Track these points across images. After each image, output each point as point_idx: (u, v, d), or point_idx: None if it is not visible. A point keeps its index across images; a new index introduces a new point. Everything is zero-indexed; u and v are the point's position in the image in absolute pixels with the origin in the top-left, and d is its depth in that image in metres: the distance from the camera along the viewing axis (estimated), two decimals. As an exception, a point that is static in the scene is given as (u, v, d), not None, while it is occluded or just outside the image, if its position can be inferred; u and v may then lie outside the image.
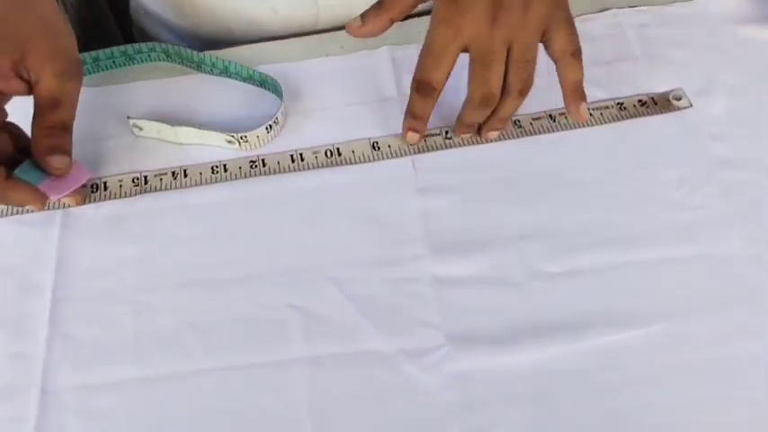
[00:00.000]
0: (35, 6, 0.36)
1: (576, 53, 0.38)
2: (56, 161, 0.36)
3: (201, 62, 0.46)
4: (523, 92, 0.38)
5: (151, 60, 0.47)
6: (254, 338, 0.36)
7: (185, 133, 0.43)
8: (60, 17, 0.37)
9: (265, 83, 0.45)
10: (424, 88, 0.38)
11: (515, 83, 0.37)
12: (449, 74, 0.38)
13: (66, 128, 0.36)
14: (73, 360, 0.35)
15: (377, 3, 0.38)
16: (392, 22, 0.39)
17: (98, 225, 0.40)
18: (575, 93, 0.39)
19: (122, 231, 0.40)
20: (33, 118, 0.36)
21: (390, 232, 0.39)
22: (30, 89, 0.36)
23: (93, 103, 0.45)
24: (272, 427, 0.34)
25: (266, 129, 0.42)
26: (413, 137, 0.41)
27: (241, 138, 0.42)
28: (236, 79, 0.46)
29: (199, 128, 0.42)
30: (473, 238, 0.39)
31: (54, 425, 0.33)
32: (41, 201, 0.37)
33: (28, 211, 0.40)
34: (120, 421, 0.34)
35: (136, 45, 0.46)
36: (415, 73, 0.38)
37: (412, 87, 0.39)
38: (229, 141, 0.42)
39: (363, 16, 0.38)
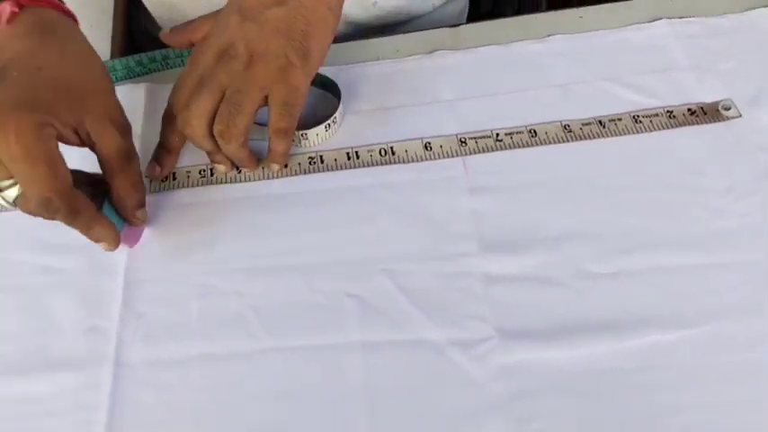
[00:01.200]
0: (90, 62, 0.38)
1: (280, 132, 0.41)
2: (141, 214, 0.39)
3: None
4: (222, 134, 0.39)
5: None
6: (313, 322, 0.38)
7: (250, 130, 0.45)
8: (106, 69, 0.39)
9: (325, 84, 0.47)
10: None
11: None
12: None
13: (142, 180, 0.39)
14: (144, 336, 0.38)
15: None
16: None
17: (168, 212, 0.43)
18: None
19: (190, 219, 0.42)
20: (108, 174, 0.37)
21: (442, 229, 0.41)
22: (82, 145, 0.37)
23: (164, 99, 0.47)
24: (328, 406, 0.36)
25: (325, 127, 0.45)
26: None
27: (302, 135, 0.44)
28: None
29: (261, 124, 0.45)
30: (522, 238, 0.41)
31: (126, 394, 0.36)
32: (117, 244, 0.38)
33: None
34: (186, 393, 0.36)
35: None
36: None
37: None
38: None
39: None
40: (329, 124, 0.45)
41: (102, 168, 0.38)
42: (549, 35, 0.50)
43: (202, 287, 0.40)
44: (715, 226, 0.41)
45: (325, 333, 0.38)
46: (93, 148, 0.37)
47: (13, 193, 0.35)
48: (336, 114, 0.45)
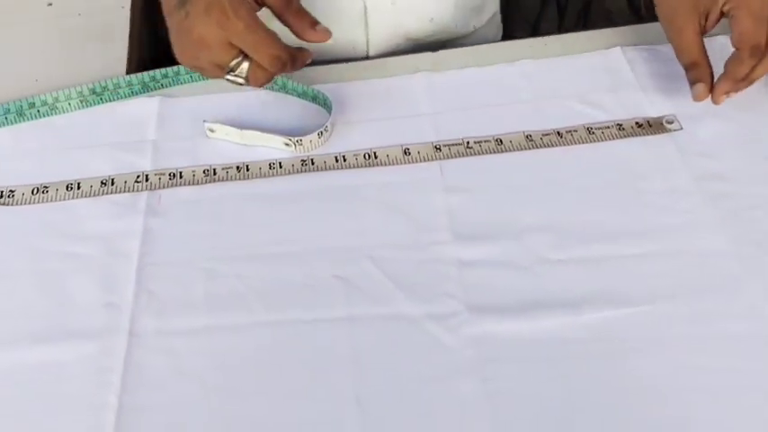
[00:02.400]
0: None
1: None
2: (320, 28, 0.45)
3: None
4: None
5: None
6: (305, 300, 0.43)
7: (250, 136, 0.51)
8: None
9: (317, 98, 0.53)
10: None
11: None
12: None
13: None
14: (155, 311, 0.43)
15: None
16: None
17: (176, 207, 0.48)
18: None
19: (196, 212, 0.48)
20: (282, 18, 0.45)
21: (420, 222, 0.47)
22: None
23: (175, 110, 0.53)
24: (318, 370, 0.40)
25: (318, 134, 0.50)
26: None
27: (297, 141, 0.50)
28: (293, 94, 0.54)
29: (261, 132, 0.51)
30: (490, 230, 0.46)
31: (138, 359, 0.41)
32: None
33: (119, 192, 0.48)
34: (191, 359, 0.41)
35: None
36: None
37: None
38: (286, 144, 0.50)
39: None
40: (321, 132, 0.51)
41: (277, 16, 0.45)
42: (518, 60, 0.57)
43: (207, 270, 0.45)
44: (660, 221, 0.47)
45: (315, 309, 0.43)
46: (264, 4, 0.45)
47: (245, 66, 0.44)
48: (328, 124, 0.51)
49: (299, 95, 0.54)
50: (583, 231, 0.46)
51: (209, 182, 0.49)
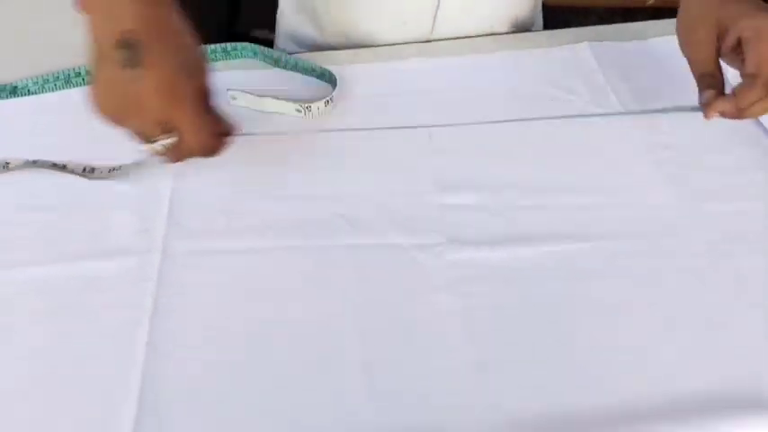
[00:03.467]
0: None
1: None
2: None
3: (278, 59, 0.63)
4: None
5: (242, 56, 0.64)
6: (312, 230, 0.51)
7: (268, 102, 0.59)
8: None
9: (324, 75, 0.62)
10: None
11: None
12: None
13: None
14: (184, 236, 0.50)
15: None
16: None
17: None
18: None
19: (220, 159, 0.55)
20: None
21: (410, 177, 0.55)
22: None
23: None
24: (323, 286, 0.47)
25: (324, 103, 0.59)
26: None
27: (306, 107, 0.59)
28: (303, 72, 0.63)
29: (277, 99, 0.59)
30: (469, 184, 0.54)
31: (170, 273, 0.48)
32: None
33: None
34: (214, 275, 0.48)
35: (232, 44, 0.63)
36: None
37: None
38: (298, 110, 0.59)
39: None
40: (327, 101, 0.59)
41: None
42: (497, 51, 0.66)
43: (228, 206, 0.52)
44: (617, 181, 0.55)
45: (320, 239, 0.50)
46: None
47: (169, 141, 0.44)
48: (333, 94, 0.59)
49: (306, 72, 0.63)
50: (549, 185, 0.54)
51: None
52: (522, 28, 0.72)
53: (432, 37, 0.68)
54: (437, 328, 0.46)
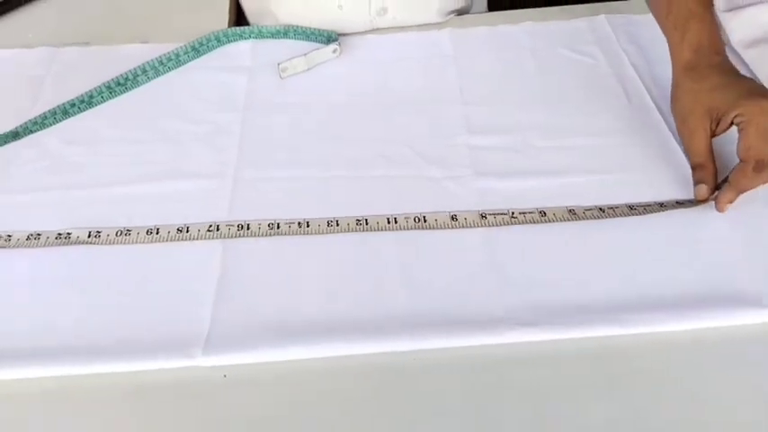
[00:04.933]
0: None
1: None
2: None
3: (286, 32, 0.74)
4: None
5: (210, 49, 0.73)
6: (358, 164, 0.60)
7: (312, 56, 0.69)
8: None
9: (331, 38, 0.72)
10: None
11: None
12: None
13: None
14: (251, 166, 0.60)
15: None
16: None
17: (266, 104, 0.66)
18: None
19: (281, 107, 0.66)
20: None
21: (442, 123, 0.64)
22: None
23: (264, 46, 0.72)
24: (367, 205, 0.56)
25: (332, 51, 0.70)
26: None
27: (337, 45, 0.70)
28: (314, 39, 0.74)
29: (318, 51, 0.69)
30: (496, 129, 0.63)
31: (240, 192, 0.58)
32: None
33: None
34: (274, 193, 0.58)
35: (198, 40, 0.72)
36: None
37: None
38: (334, 51, 0.70)
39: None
40: (335, 49, 0.70)
41: None
42: (522, 22, 0.75)
43: (287, 142, 0.62)
44: (613, 124, 0.63)
45: (364, 170, 0.59)
46: None
47: None
48: (337, 45, 0.70)
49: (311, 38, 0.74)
50: (564, 128, 0.62)
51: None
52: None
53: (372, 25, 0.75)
54: (459, 234, 0.54)
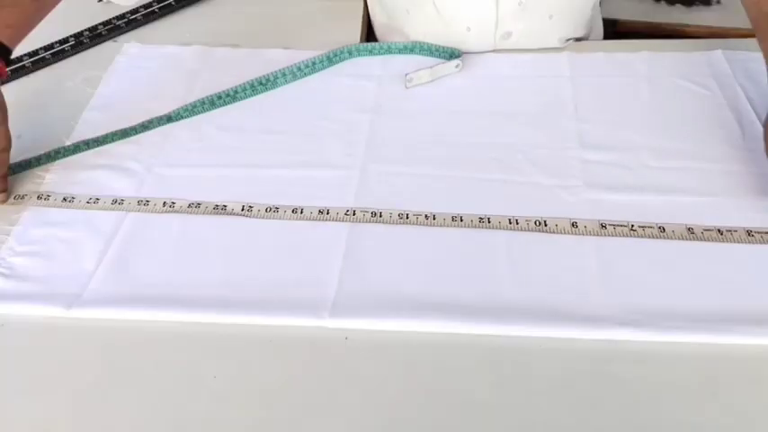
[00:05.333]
0: None
1: None
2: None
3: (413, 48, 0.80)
4: None
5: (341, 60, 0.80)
6: (473, 167, 0.65)
7: (437, 69, 0.75)
8: None
9: (454, 54, 0.78)
10: None
11: None
12: None
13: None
14: (376, 160, 0.66)
15: None
16: None
17: (394, 109, 0.72)
18: None
19: (408, 113, 0.72)
20: None
21: (556, 136, 0.68)
22: None
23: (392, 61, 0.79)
24: (482, 204, 0.61)
25: (455, 66, 0.76)
26: None
27: (460, 61, 0.75)
28: (438, 55, 0.79)
29: (442, 65, 0.75)
30: (609, 146, 0.66)
31: (366, 181, 0.64)
32: None
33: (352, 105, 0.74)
34: (398, 187, 0.63)
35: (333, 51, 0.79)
36: None
37: None
38: (456, 66, 0.76)
39: None
40: (458, 64, 0.75)
41: None
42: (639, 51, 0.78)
43: (410, 142, 0.68)
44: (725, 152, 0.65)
45: (479, 172, 0.64)
46: None
47: None
48: (459, 61, 0.75)
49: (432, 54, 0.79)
50: (677, 152, 0.65)
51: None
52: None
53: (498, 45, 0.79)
54: (570, 240, 0.58)
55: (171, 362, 0.51)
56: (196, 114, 0.74)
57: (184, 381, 0.49)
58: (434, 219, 0.60)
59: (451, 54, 0.78)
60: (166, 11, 0.90)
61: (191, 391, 0.49)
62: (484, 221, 0.59)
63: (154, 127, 0.72)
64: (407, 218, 0.60)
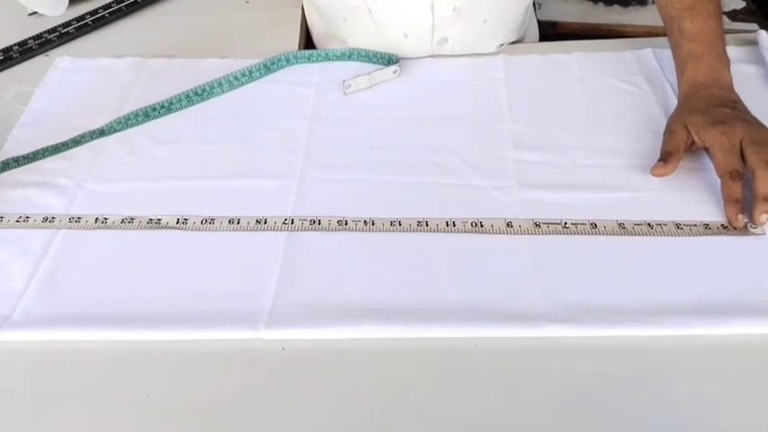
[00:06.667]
0: None
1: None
2: None
3: (351, 54, 0.80)
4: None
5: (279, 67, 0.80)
6: (411, 170, 0.65)
7: (375, 75, 0.75)
8: None
9: (391, 60, 0.78)
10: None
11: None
12: None
13: None
14: (315, 168, 0.66)
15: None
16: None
17: (332, 114, 0.72)
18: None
19: (344, 118, 0.72)
20: None
21: (491, 137, 0.69)
22: None
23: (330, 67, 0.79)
24: (418, 208, 0.61)
25: (393, 72, 0.76)
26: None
27: (398, 66, 0.76)
28: (376, 62, 0.79)
29: (381, 71, 0.75)
30: (542, 146, 0.67)
31: (305, 189, 0.63)
32: None
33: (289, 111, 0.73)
34: (338, 192, 0.63)
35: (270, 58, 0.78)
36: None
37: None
38: (395, 72, 0.76)
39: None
40: (396, 70, 0.76)
41: None
42: (572, 52, 0.80)
43: (350, 149, 0.68)
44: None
45: (416, 176, 0.65)
46: None
47: None
48: (397, 67, 0.76)
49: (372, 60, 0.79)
50: (608, 150, 0.67)
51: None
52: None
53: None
54: (505, 240, 0.58)
55: (103, 382, 0.50)
56: (130, 127, 0.72)
57: (117, 401, 0.48)
58: (373, 224, 0.60)
59: (389, 60, 0.79)
60: (100, 23, 0.88)
61: (124, 412, 0.48)
62: (422, 225, 0.60)
63: (86, 141, 0.70)
64: (346, 224, 0.60)
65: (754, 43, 0.78)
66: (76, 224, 0.61)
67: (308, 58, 0.81)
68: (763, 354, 0.50)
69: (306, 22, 0.90)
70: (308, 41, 0.90)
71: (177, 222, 0.60)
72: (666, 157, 0.63)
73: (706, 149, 0.63)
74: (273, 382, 0.49)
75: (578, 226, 0.59)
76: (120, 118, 0.72)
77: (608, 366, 0.49)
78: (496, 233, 0.59)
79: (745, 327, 0.51)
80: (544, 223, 0.59)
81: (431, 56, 0.80)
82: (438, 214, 0.61)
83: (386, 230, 0.60)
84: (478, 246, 0.58)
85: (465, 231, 0.59)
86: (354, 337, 0.51)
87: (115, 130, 0.72)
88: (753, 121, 0.63)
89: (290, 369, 0.50)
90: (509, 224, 0.59)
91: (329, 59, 0.81)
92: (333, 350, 0.51)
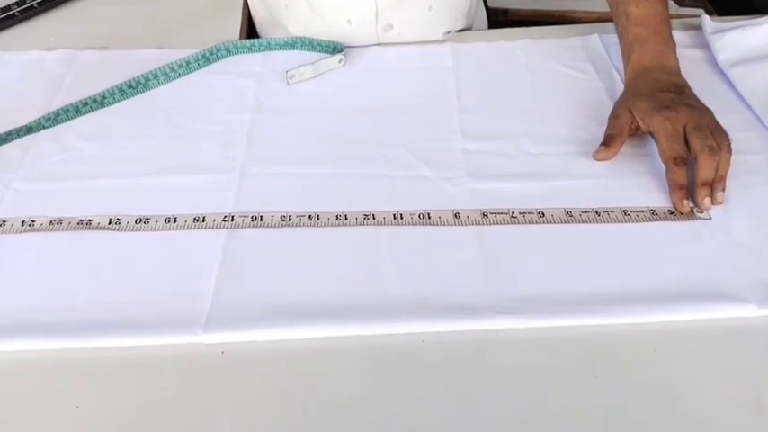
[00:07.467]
0: None
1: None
2: None
3: (294, 43, 0.78)
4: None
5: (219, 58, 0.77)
6: (357, 163, 0.63)
7: (318, 65, 0.73)
8: None
9: (336, 48, 0.76)
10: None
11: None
12: None
13: None
14: (257, 162, 0.63)
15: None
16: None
17: (274, 107, 0.70)
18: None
19: (286, 109, 0.69)
20: None
21: (439, 127, 0.67)
22: None
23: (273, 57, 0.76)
24: (365, 201, 0.59)
25: (338, 60, 0.74)
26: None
27: (343, 55, 0.73)
28: (320, 50, 0.77)
29: (325, 60, 0.73)
30: (490, 135, 0.66)
31: (246, 185, 0.61)
32: None
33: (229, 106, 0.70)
34: (278, 188, 0.61)
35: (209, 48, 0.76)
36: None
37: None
38: (340, 60, 0.74)
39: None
40: (341, 59, 0.74)
41: None
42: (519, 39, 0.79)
43: (293, 143, 0.65)
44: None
45: (363, 168, 0.63)
46: None
47: None
48: (343, 56, 0.74)
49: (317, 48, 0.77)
50: (556, 137, 0.66)
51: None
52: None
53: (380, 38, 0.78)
54: (453, 231, 0.57)
55: (30, 394, 0.46)
56: (59, 123, 0.69)
57: (44, 414, 0.45)
58: (318, 219, 0.58)
59: (334, 48, 0.76)
60: (28, 14, 0.83)
61: (52, 426, 0.45)
62: (369, 218, 0.58)
63: (13, 140, 0.66)
64: (290, 220, 0.58)
65: (698, 28, 0.78)
66: (1, 228, 0.57)
67: (250, 48, 0.78)
68: (711, 339, 0.49)
69: (248, 10, 0.86)
70: (250, 30, 0.87)
71: (110, 222, 0.57)
72: (609, 141, 0.62)
73: (651, 134, 0.62)
74: (212, 388, 0.47)
75: (526, 215, 0.58)
76: (48, 114, 0.68)
77: (557, 358, 0.48)
78: (444, 225, 0.57)
79: (695, 312, 0.50)
80: (492, 213, 0.58)
81: (377, 44, 0.79)
82: (385, 207, 0.59)
83: (331, 225, 0.57)
84: (426, 238, 0.56)
85: (412, 224, 0.57)
86: (297, 338, 0.49)
87: (44, 127, 0.68)
88: (697, 107, 0.62)
89: (230, 373, 0.47)
90: (457, 215, 0.58)
91: (272, 49, 0.78)
92: (275, 351, 0.48)
